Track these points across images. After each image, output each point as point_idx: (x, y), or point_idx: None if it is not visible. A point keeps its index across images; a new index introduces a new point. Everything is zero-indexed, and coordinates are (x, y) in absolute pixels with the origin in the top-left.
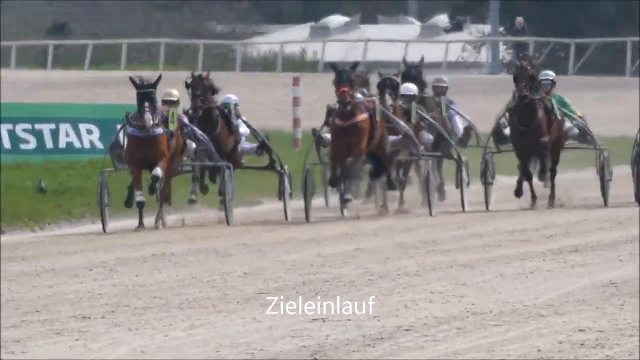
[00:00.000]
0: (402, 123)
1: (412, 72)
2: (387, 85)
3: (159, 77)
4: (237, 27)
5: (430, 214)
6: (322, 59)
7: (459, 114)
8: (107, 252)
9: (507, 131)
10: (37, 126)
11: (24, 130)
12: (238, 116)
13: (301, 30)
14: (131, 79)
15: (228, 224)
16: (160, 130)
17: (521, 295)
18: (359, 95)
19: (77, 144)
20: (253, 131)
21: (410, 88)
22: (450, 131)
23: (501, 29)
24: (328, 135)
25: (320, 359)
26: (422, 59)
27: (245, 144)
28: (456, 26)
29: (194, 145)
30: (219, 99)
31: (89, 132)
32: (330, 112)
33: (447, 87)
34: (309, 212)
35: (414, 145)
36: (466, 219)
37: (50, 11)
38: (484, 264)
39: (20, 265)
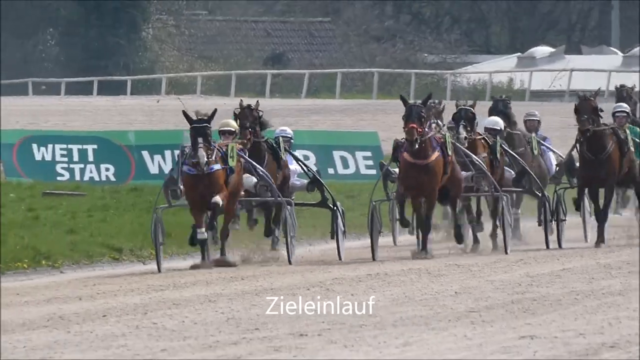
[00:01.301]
0: (475, 157)
1: (499, 105)
2: (462, 117)
3: (214, 111)
4: (448, 57)
5: (506, 252)
6: (528, 88)
7: (553, 151)
8: (325, 272)
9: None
10: None
11: None
12: (288, 151)
13: (509, 61)
14: (184, 112)
15: (290, 262)
16: (218, 166)
17: None
18: (429, 129)
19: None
20: (304, 166)
21: (496, 122)
22: (542, 169)
23: None
24: (396, 170)
25: None
26: (622, 88)
27: (296, 180)
28: None
29: (254, 180)
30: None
31: (306, 157)
32: (397, 146)
33: (539, 122)
34: (375, 250)
35: (486, 182)
36: None
37: (270, 42)
38: None
39: (240, 285)
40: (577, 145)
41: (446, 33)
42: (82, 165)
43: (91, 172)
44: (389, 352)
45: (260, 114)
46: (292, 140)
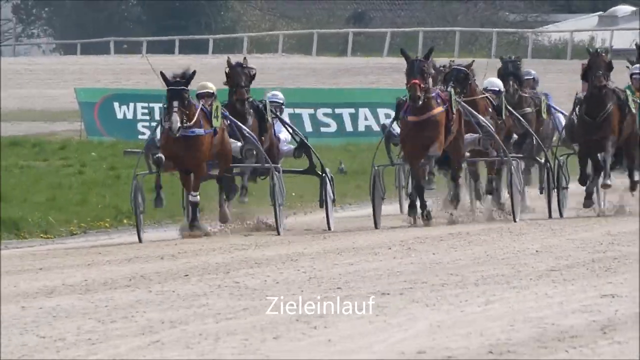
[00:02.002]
0: (482, 119)
1: (510, 67)
2: (453, 77)
3: (193, 72)
4: (529, 17)
5: (514, 220)
6: (610, 47)
7: (561, 112)
8: (407, 231)
9: None
10: (337, 110)
11: (325, 114)
12: (278, 117)
13: (590, 20)
14: (161, 73)
15: (279, 233)
16: (200, 130)
17: None
18: (434, 88)
19: (375, 128)
20: (292, 131)
21: (494, 83)
22: (551, 131)
23: None
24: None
25: (609, 332)
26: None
27: (283, 146)
28: None
29: (239, 144)
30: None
31: (387, 116)
32: (400, 105)
33: (534, 80)
34: (378, 219)
35: (494, 145)
36: None
37: (351, 0)
38: None
39: (322, 244)
40: (577, 108)
41: None
42: None
43: None
44: (471, 311)
45: (253, 72)
46: (283, 106)
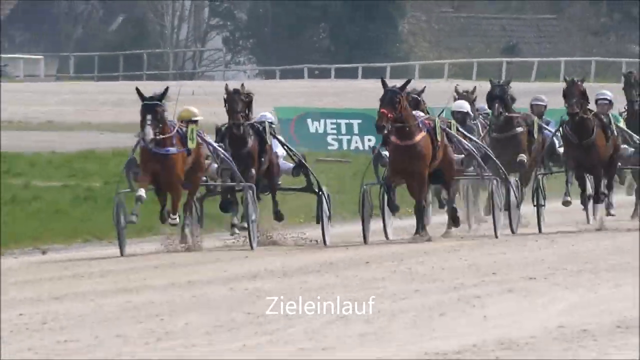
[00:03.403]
0: (464, 142)
1: (496, 90)
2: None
3: (166, 89)
4: None
5: (496, 236)
6: None
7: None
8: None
9: (560, 150)
10: None
11: None
12: (274, 135)
13: None
14: (137, 90)
15: (252, 248)
16: (174, 149)
17: None
18: (419, 113)
19: None
20: (289, 151)
21: (461, 105)
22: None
23: None
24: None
25: None
26: None
27: (282, 163)
28: None
29: (215, 165)
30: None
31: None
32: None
33: (545, 107)
34: (367, 234)
35: (477, 164)
36: None
37: (505, 35)
38: None
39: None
40: (560, 129)
41: None
42: (348, 137)
43: (356, 142)
44: (602, 293)
45: (249, 98)
46: (273, 125)
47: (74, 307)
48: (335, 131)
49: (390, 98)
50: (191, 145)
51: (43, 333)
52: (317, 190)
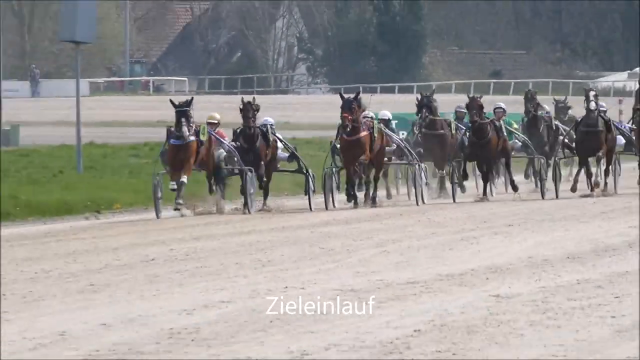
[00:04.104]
0: (395, 137)
1: (424, 100)
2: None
3: (192, 99)
4: None
5: (417, 204)
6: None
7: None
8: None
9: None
10: None
11: None
12: (274, 134)
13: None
14: (171, 100)
15: (250, 212)
16: (192, 138)
17: None
18: (369, 113)
19: None
20: (285, 144)
21: (385, 113)
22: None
23: None
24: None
25: None
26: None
27: (280, 154)
28: None
29: (224, 153)
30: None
31: None
32: (339, 129)
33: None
34: (328, 204)
35: (405, 154)
36: None
37: (492, 64)
38: None
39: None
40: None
41: None
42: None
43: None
44: (556, 235)
45: (257, 107)
46: (273, 127)
47: (208, 244)
48: None
49: (348, 104)
50: (202, 137)
51: (187, 262)
52: (305, 172)
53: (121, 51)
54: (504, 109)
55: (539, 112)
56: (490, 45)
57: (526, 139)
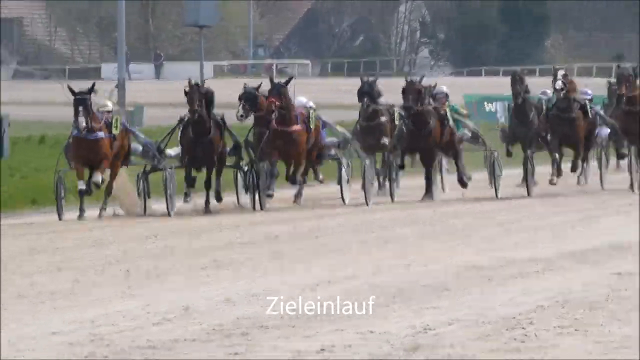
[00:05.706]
0: (336, 128)
1: (365, 86)
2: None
3: (93, 85)
4: None
5: (367, 204)
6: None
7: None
8: None
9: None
10: None
11: None
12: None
13: None
14: (69, 87)
15: (169, 214)
16: (101, 134)
17: None
18: (302, 99)
19: None
20: (231, 135)
21: (307, 101)
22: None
23: None
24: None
25: None
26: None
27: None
28: None
29: (140, 148)
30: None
31: None
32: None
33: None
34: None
35: (349, 145)
36: None
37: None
38: None
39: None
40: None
41: None
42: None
43: None
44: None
45: (208, 91)
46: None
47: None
48: (502, 109)
49: (277, 89)
50: (115, 131)
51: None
52: (245, 167)
53: (244, 35)
54: (446, 93)
55: (541, 97)
56: (611, 28)
57: (476, 127)
